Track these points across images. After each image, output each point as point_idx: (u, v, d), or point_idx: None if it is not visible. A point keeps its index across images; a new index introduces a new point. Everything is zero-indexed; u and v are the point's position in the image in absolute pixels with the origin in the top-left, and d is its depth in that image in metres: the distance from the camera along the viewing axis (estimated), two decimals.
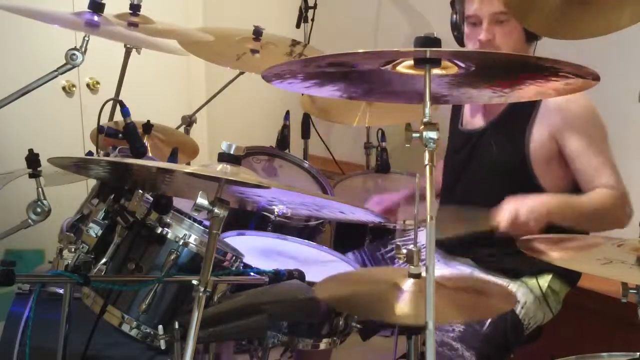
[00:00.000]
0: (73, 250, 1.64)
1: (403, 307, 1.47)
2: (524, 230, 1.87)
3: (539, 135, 2.10)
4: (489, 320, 2.04)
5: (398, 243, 2.41)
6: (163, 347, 1.62)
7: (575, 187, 2.11)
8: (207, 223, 1.71)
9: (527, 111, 2.11)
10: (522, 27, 2.07)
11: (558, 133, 2.08)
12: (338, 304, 1.68)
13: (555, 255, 1.57)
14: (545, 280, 2.17)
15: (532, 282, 2.16)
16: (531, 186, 2.10)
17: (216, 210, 1.38)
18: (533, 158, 2.11)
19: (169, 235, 1.67)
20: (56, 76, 1.84)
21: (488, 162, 2.20)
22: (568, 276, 2.20)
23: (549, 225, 1.92)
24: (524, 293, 2.14)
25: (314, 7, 3.45)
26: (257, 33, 2.71)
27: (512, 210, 1.90)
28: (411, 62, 1.31)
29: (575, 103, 2.05)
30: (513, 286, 2.14)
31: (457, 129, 2.31)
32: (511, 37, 2.09)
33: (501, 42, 2.09)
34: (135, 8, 2.31)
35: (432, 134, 1.24)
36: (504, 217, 1.90)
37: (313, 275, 1.81)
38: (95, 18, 1.95)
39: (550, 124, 2.08)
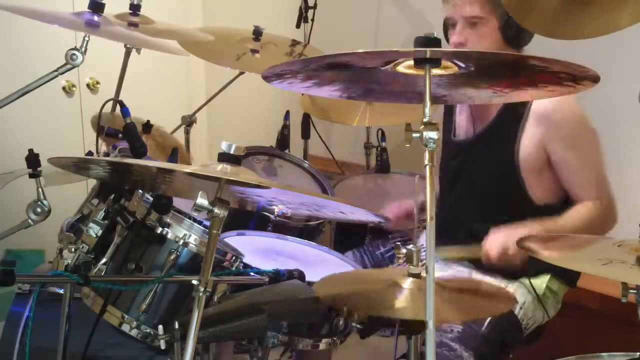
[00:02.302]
0: (73, 250, 1.64)
1: (402, 302, 1.48)
2: (513, 261, 1.95)
3: (528, 143, 2.09)
4: (488, 321, 2.05)
5: (398, 242, 2.41)
6: (163, 347, 1.62)
7: (564, 196, 2.11)
8: (207, 223, 1.71)
9: (516, 119, 2.11)
10: (498, 32, 2.08)
11: (545, 142, 2.07)
12: (337, 301, 1.69)
13: (555, 255, 1.57)
14: (543, 281, 2.17)
15: (530, 282, 2.16)
16: (520, 195, 2.12)
17: (216, 210, 1.38)
18: (523, 167, 2.10)
19: (169, 235, 1.67)
20: (56, 76, 1.84)
21: (479, 171, 2.20)
22: (566, 276, 2.21)
23: None
24: (523, 294, 2.14)
25: (314, 7, 3.45)
26: (257, 33, 2.71)
27: (501, 243, 1.95)
28: (411, 62, 1.31)
29: (564, 111, 2.05)
30: (511, 287, 2.14)
31: (449, 139, 2.31)
32: (484, 41, 2.09)
33: (473, 46, 2.10)
34: (135, 8, 2.31)
35: (432, 134, 1.24)
36: (494, 249, 1.95)
37: (313, 275, 1.81)
38: (95, 18, 1.95)
39: (538, 133, 2.08)
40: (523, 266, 2.04)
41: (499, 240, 1.96)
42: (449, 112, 2.33)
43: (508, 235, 1.95)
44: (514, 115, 2.10)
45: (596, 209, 2.06)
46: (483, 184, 2.18)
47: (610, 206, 2.09)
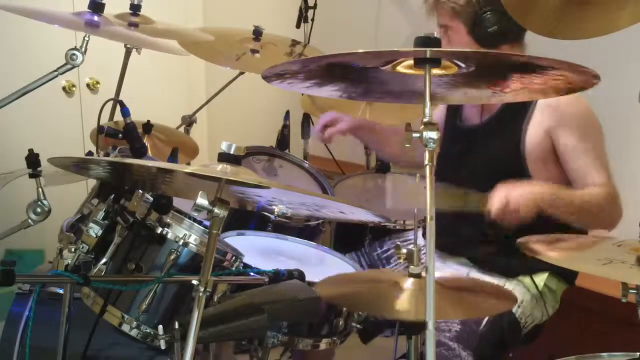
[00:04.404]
0: (73, 250, 1.64)
1: (403, 303, 1.48)
2: (514, 217, 1.90)
3: (534, 132, 2.11)
4: (486, 320, 2.05)
5: (398, 243, 2.40)
6: (163, 347, 1.62)
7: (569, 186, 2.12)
8: (207, 223, 1.71)
9: (523, 109, 2.13)
10: (468, 36, 2.13)
11: (552, 130, 2.09)
12: (338, 301, 1.68)
13: (555, 256, 1.57)
14: (541, 279, 2.17)
15: (528, 280, 2.16)
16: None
17: (216, 210, 1.38)
18: (528, 156, 2.11)
19: (169, 235, 1.67)
20: (56, 76, 1.84)
21: (484, 158, 2.21)
22: (565, 274, 2.21)
23: (539, 214, 1.92)
24: (521, 292, 2.14)
25: (314, 7, 3.45)
26: (257, 33, 2.71)
27: (502, 197, 1.92)
28: (411, 62, 1.31)
29: (570, 101, 2.06)
30: (509, 285, 2.14)
31: (455, 125, 2.32)
32: (455, 44, 2.15)
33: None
34: (135, 8, 2.31)
35: (432, 134, 1.24)
36: (495, 203, 1.92)
37: (313, 275, 1.81)
38: (95, 18, 1.95)
39: (545, 122, 2.09)
40: (521, 264, 2.05)
41: (500, 194, 1.93)
42: None
43: (509, 190, 1.93)
44: (522, 104, 2.12)
45: (604, 192, 2.04)
46: (487, 170, 2.19)
47: (614, 192, 2.08)
